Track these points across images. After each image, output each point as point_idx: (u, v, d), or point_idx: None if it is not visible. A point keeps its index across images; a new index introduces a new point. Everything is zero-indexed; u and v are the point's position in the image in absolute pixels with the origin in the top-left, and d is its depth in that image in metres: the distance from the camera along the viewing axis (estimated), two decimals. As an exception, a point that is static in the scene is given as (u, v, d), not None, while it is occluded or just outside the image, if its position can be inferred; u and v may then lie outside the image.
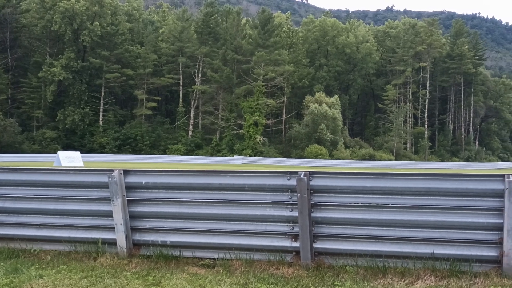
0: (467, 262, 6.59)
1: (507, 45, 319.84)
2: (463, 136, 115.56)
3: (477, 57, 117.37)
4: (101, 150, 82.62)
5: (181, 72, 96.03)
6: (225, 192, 7.41)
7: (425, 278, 6.49)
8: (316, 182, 7.02)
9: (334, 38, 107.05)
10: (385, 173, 7.08)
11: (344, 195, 7.04)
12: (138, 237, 7.75)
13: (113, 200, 7.51)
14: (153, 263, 7.39)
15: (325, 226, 7.11)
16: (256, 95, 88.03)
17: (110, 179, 7.46)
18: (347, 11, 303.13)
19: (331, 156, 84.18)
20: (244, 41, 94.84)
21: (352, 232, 7.02)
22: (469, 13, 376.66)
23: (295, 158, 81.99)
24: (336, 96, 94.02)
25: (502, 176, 6.51)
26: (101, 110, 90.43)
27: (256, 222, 7.28)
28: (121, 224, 7.56)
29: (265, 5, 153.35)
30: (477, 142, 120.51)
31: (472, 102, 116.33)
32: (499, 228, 6.51)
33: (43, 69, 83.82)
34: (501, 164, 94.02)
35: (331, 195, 7.07)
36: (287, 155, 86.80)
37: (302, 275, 6.76)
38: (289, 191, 7.06)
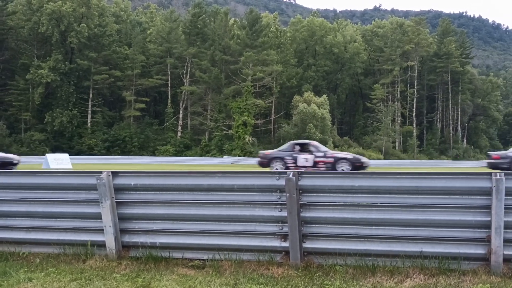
0: (456, 260, 6.63)
1: (494, 44, 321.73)
2: (451, 134, 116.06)
3: (464, 56, 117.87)
4: (89, 152, 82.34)
5: (169, 73, 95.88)
6: (214, 192, 7.42)
7: (414, 276, 6.53)
8: (305, 182, 7.04)
9: (322, 38, 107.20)
10: (374, 172, 7.12)
11: (333, 195, 7.07)
12: (128, 238, 7.74)
13: (102, 202, 7.49)
14: (142, 264, 7.38)
15: (314, 225, 7.14)
16: (245, 95, 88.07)
17: (98, 181, 7.45)
18: (334, 11, 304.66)
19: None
20: (232, 42, 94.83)
21: (341, 232, 7.04)
22: (456, 12, 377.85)
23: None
24: (324, 95, 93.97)
25: (490, 174, 6.56)
26: (89, 111, 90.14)
27: (246, 223, 7.30)
28: (110, 226, 7.54)
29: (252, 6, 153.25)
30: (465, 140, 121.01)
31: (459, 100, 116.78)
32: (487, 226, 6.56)
33: (31, 71, 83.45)
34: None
35: (320, 194, 7.10)
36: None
37: (292, 275, 6.77)
38: (278, 191, 7.08)
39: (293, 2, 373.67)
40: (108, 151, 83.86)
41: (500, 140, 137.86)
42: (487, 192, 6.52)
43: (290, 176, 6.88)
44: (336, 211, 7.06)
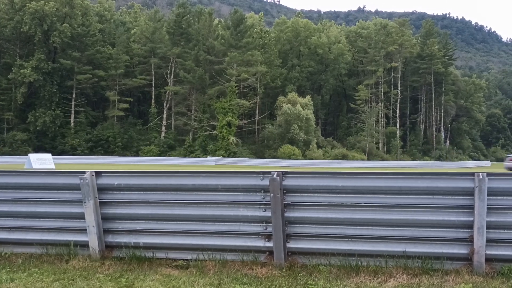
0: (439, 260, 6.67)
1: (477, 45, 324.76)
2: (434, 135, 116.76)
3: (447, 57, 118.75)
4: (72, 152, 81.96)
5: (153, 73, 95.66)
6: (198, 192, 7.40)
7: (397, 276, 6.55)
8: (289, 182, 7.05)
9: (306, 39, 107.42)
10: (358, 172, 7.14)
11: (317, 195, 7.08)
12: (111, 239, 7.70)
13: (85, 202, 7.45)
14: (126, 265, 7.35)
15: (298, 225, 7.15)
16: (229, 95, 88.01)
17: (82, 180, 7.41)
18: (319, 12, 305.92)
19: (304, 156, 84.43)
20: (216, 42, 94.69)
21: (325, 232, 7.06)
22: (440, 13, 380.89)
23: (268, 158, 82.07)
24: (308, 96, 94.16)
25: (472, 174, 6.61)
26: (72, 111, 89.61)
27: (230, 223, 7.29)
28: (93, 226, 7.50)
29: (237, 6, 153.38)
30: (448, 141, 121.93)
31: (443, 101, 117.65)
32: (469, 226, 6.61)
33: (13, 71, 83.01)
34: (471, 163, 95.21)
35: (304, 194, 7.11)
36: (260, 155, 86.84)
37: (276, 275, 6.77)
38: (262, 191, 7.08)
39: (277, 2, 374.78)
40: (91, 151, 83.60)
41: (483, 141, 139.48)
42: (470, 192, 6.57)
43: (275, 176, 6.88)
44: (320, 211, 7.07)
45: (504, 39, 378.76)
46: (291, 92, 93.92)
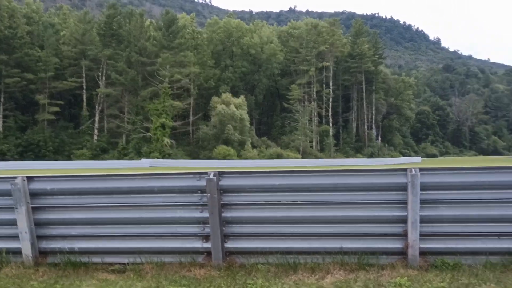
0: (375, 255, 6.79)
1: (405, 44, 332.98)
2: (366, 133, 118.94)
3: (377, 56, 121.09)
4: (1, 157, 79.65)
5: (84, 75, 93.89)
6: (134, 195, 7.32)
7: (335, 272, 6.62)
8: (225, 182, 7.04)
9: (238, 39, 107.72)
10: (293, 171, 7.18)
11: (254, 194, 7.12)
12: (45, 245, 7.53)
13: (17, 208, 7.27)
14: (61, 271, 7.19)
15: (236, 225, 7.16)
16: (162, 97, 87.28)
17: (13, 186, 7.22)
18: (250, 12, 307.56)
19: (239, 156, 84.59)
20: (148, 43, 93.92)
21: (262, 230, 7.09)
22: (369, 13, 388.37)
23: (204, 159, 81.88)
24: (242, 96, 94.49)
25: (405, 170, 6.75)
26: (1, 116, 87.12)
27: (167, 225, 7.24)
28: (26, 232, 7.32)
29: (168, 7, 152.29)
30: (379, 138, 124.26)
31: (373, 99, 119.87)
32: (403, 220, 6.74)
33: None
34: (403, 159, 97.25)
35: (241, 194, 7.13)
36: (195, 156, 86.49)
37: (214, 275, 6.76)
38: (199, 192, 7.05)
39: (209, 3, 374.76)
40: (21, 156, 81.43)
41: (413, 138, 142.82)
42: (403, 188, 6.70)
43: (211, 176, 6.86)
44: (257, 210, 7.10)
45: (431, 38, 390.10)
46: (225, 92, 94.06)
